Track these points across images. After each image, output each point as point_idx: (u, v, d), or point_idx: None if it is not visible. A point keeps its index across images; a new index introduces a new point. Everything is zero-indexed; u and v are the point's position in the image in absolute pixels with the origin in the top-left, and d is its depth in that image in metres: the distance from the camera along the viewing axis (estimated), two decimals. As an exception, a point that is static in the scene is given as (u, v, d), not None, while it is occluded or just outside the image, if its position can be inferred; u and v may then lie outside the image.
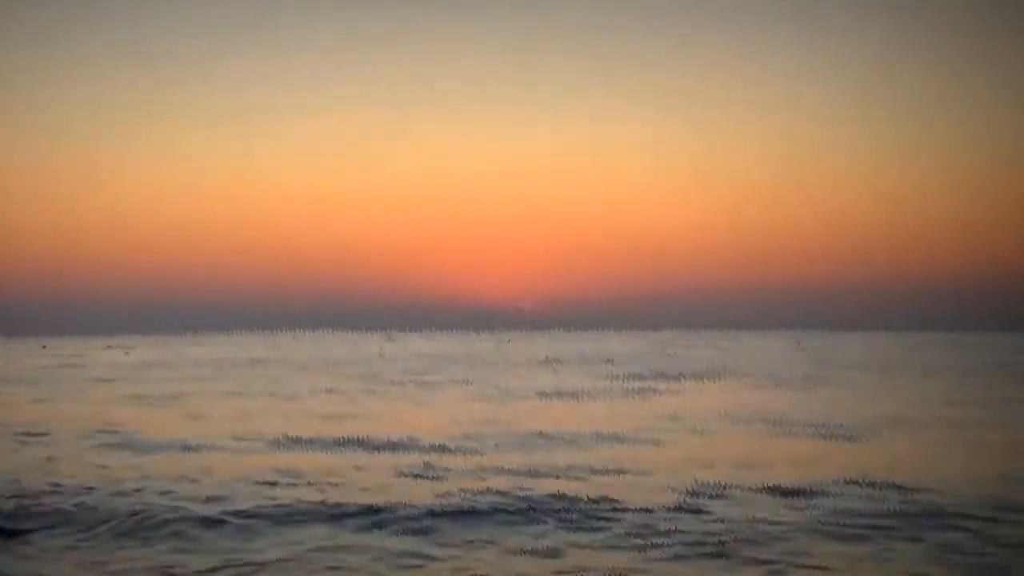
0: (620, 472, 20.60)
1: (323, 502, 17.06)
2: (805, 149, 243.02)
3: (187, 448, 24.82)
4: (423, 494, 17.71)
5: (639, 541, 14.42)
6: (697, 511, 16.29)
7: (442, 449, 24.36)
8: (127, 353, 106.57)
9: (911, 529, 15.12)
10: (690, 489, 18.06)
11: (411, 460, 22.37)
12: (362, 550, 14.13)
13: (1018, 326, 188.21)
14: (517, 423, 30.36)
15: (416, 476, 20.18)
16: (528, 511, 16.37)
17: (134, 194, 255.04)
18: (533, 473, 20.22)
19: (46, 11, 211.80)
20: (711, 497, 17.48)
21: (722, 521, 15.50)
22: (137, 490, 18.40)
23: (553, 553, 13.90)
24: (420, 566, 13.38)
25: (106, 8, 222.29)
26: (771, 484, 18.34)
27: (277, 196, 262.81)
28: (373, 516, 16.00)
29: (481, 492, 17.82)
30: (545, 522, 15.75)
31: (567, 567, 13.19)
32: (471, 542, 14.58)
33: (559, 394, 42.64)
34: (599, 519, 15.82)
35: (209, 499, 17.41)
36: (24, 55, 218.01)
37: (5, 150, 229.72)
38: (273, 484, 19.02)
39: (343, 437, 26.56)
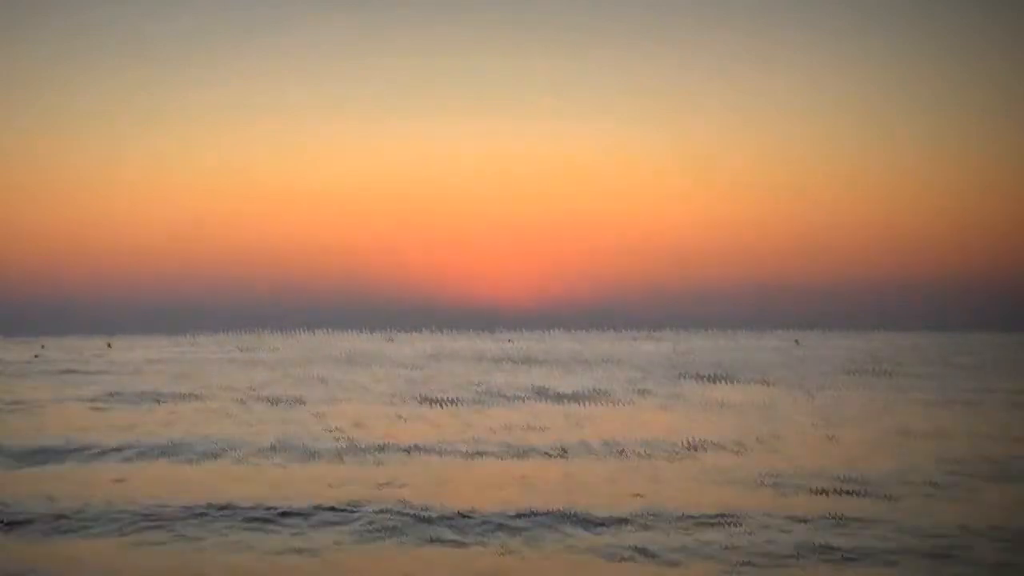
0: None
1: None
2: (805, 149, 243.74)
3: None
4: None
5: None
6: None
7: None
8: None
9: None
10: None
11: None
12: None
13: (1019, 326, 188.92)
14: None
15: None
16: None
17: (133, 194, 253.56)
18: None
19: (45, 10, 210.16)
20: None
21: None
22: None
23: None
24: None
25: (105, 7, 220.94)
26: None
27: (277, 196, 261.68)
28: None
29: None
30: None
31: None
32: None
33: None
34: None
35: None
36: (23, 54, 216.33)
37: (4, 150, 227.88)
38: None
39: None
